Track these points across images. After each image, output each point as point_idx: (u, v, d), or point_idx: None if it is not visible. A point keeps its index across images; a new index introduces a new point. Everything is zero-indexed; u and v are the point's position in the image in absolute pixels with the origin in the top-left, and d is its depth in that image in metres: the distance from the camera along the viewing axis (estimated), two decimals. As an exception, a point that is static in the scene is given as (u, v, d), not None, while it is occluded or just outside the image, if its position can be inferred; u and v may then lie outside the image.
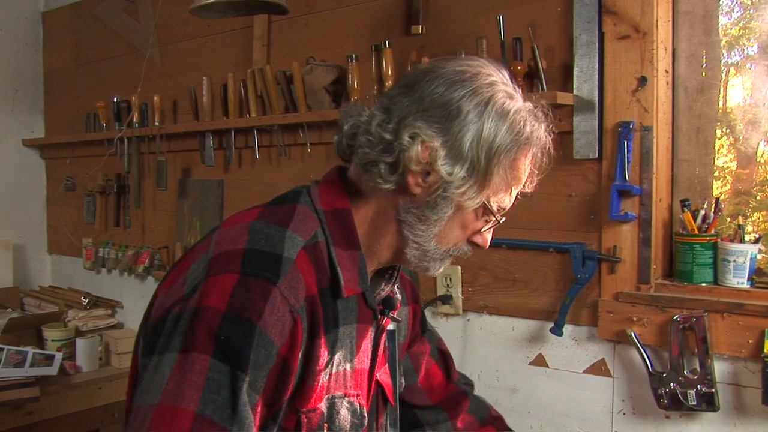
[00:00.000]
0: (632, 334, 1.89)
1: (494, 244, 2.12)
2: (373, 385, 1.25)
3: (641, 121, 1.89)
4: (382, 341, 1.26)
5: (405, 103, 1.12)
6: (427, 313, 2.32)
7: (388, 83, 2.26)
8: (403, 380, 1.43)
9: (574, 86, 1.98)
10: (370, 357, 1.23)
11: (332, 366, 1.13)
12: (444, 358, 1.57)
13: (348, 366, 1.17)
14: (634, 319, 1.90)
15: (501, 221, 1.19)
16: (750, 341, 1.74)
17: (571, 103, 1.98)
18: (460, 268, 2.25)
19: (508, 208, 1.19)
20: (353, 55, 2.36)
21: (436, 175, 1.10)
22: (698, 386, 1.80)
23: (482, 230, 1.18)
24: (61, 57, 3.73)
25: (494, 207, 1.15)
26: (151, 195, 3.21)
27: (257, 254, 1.03)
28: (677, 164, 2.00)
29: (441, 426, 1.54)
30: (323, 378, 1.10)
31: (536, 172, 1.22)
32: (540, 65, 2.00)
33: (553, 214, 2.07)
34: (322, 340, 1.08)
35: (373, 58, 2.33)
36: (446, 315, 2.31)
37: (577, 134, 1.99)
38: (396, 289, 1.31)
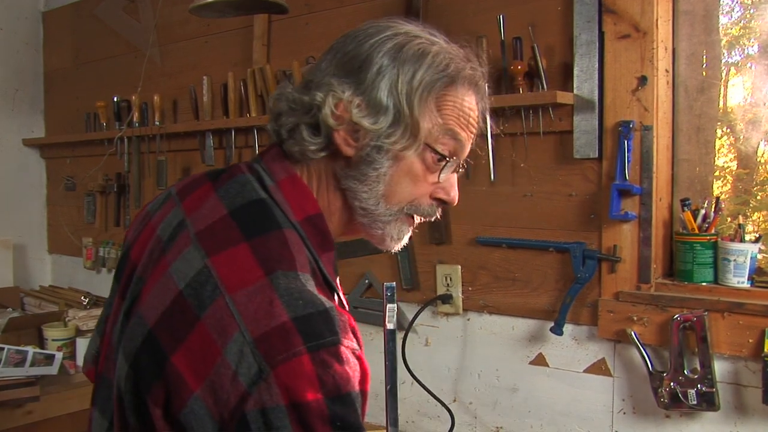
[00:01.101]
0: (632, 333, 1.89)
1: (494, 243, 2.17)
2: None
3: (641, 121, 1.89)
4: None
5: (322, 67, 1.10)
6: (427, 312, 2.32)
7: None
8: None
9: (575, 85, 1.98)
10: None
11: None
12: None
13: None
14: (635, 318, 1.90)
15: (458, 169, 1.14)
16: (750, 341, 1.74)
17: (571, 103, 1.98)
18: (460, 267, 2.25)
19: (463, 152, 1.12)
20: (353, 55, 2.35)
21: (362, 129, 1.06)
22: (698, 386, 1.80)
23: (440, 181, 1.11)
24: (61, 57, 3.73)
25: (440, 150, 1.09)
26: (152, 194, 3.21)
27: (307, 321, 0.94)
28: (677, 164, 2.00)
29: None
30: None
31: (482, 113, 1.15)
32: (540, 64, 2.00)
33: (553, 213, 2.07)
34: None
35: (373, 58, 2.31)
36: (446, 314, 2.31)
37: (578, 133, 1.98)
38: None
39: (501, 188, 2.16)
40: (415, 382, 2.24)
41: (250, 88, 2.68)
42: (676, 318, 1.81)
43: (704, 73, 1.99)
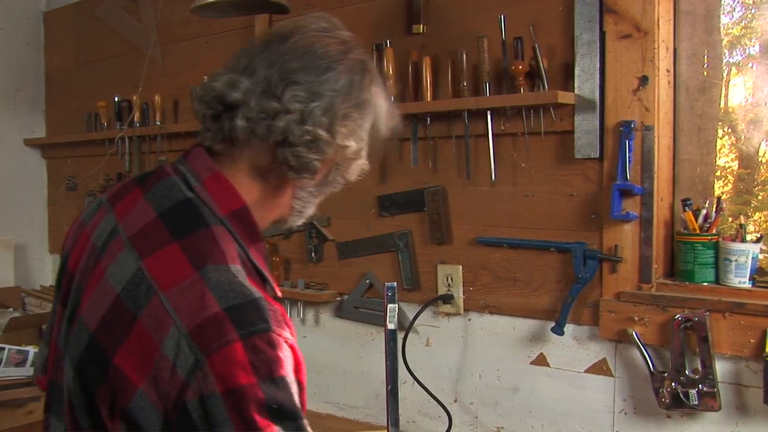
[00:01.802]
0: (633, 333, 1.89)
1: (495, 243, 2.17)
2: None
3: (642, 121, 1.88)
4: None
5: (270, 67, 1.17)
6: (428, 312, 2.32)
7: (389, 82, 2.26)
8: None
9: (576, 85, 1.97)
10: None
11: None
12: None
13: None
14: (636, 318, 1.90)
15: None
16: (752, 341, 1.74)
17: (572, 103, 1.97)
18: (461, 267, 2.25)
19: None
20: (354, 55, 2.35)
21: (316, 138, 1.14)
22: (700, 386, 1.79)
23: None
24: (62, 57, 3.73)
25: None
26: (152, 194, 3.21)
27: (238, 310, 0.99)
28: (678, 164, 2.00)
29: None
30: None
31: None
32: (541, 64, 2.00)
33: (554, 213, 2.07)
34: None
35: (374, 58, 2.32)
36: (447, 314, 2.31)
37: (579, 133, 1.98)
38: None
39: (502, 188, 2.16)
40: (415, 382, 2.24)
41: (251, 88, 2.67)
42: (677, 318, 1.81)
43: (705, 73, 1.99)
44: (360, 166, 1.24)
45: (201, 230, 1.07)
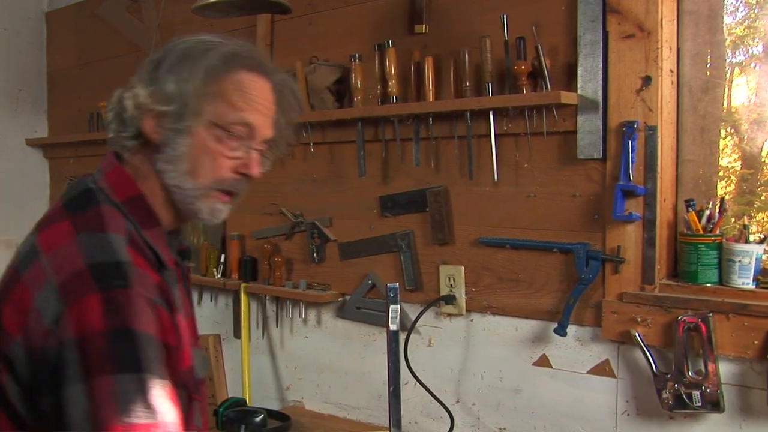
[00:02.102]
0: (636, 334, 1.88)
1: (498, 244, 2.17)
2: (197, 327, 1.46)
3: (646, 121, 1.88)
4: (190, 290, 1.46)
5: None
6: (430, 313, 2.31)
7: (392, 82, 2.26)
8: None
9: (578, 86, 1.97)
10: (190, 306, 1.43)
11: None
12: None
13: (187, 321, 1.32)
14: (639, 319, 1.89)
15: (258, 147, 1.30)
16: (755, 342, 1.74)
17: (575, 103, 1.97)
18: (463, 268, 2.24)
19: (257, 130, 1.29)
20: (356, 55, 2.36)
21: (162, 116, 1.24)
22: (703, 387, 1.79)
23: (231, 153, 1.27)
24: (64, 57, 3.72)
25: (227, 127, 1.26)
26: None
27: (101, 267, 1.12)
28: (682, 164, 1.99)
29: None
30: (185, 341, 1.24)
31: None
32: (544, 64, 1.99)
33: (556, 214, 2.06)
34: (179, 314, 1.24)
35: (377, 58, 2.32)
36: (449, 315, 2.30)
37: (581, 134, 1.98)
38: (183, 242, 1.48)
39: (504, 189, 2.15)
40: (417, 383, 2.24)
41: (253, 88, 2.67)
42: (681, 319, 1.81)
43: (708, 73, 1.98)
44: (192, 121, 1.26)
45: (91, 209, 1.23)
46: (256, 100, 1.29)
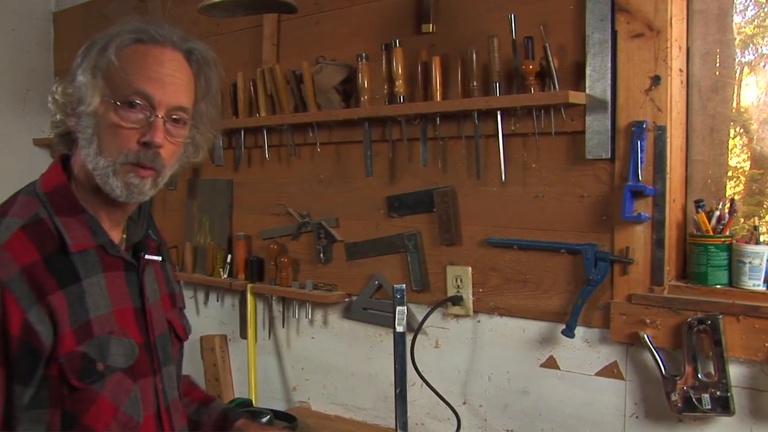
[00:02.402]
0: (645, 336, 1.87)
1: (505, 244, 2.15)
2: (151, 322, 1.41)
3: (655, 121, 1.86)
4: (145, 282, 1.42)
5: None
6: (437, 314, 2.30)
7: (399, 82, 2.25)
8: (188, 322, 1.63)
9: (587, 85, 1.96)
10: (135, 297, 1.39)
11: (86, 313, 1.28)
12: None
13: (105, 310, 1.31)
14: (647, 321, 1.88)
15: (155, 115, 1.30)
16: (766, 345, 1.72)
17: (583, 103, 1.96)
18: (470, 268, 2.23)
19: (137, 93, 1.28)
20: (363, 54, 2.35)
21: (75, 107, 1.31)
22: (713, 390, 1.77)
23: (131, 125, 1.28)
24: (71, 57, 3.65)
25: (117, 96, 1.28)
26: (161, 195, 3.20)
27: None
28: (691, 164, 1.98)
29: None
30: (71, 324, 1.25)
31: (145, 61, 1.32)
32: (552, 64, 1.98)
33: (565, 214, 2.05)
34: (57, 295, 1.24)
35: (384, 57, 2.31)
36: (456, 316, 2.29)
37: (590, 134, 1.96)
38: (153, 236, 1.49)
39: (512, 189, 2.14)
40: (424, 384, 2.23)
41: (259, 88, 2.67)
42: (690, 321, 1.79)
43: (718, 73, 1.96)
44: (89, 102, 1.30)
45: (9, 199, 1.33)
46: (152, 68, 1.30)
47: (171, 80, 1.32)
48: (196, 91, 1.42)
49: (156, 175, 1.32)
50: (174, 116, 1.32)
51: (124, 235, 1.43)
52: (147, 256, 1.43)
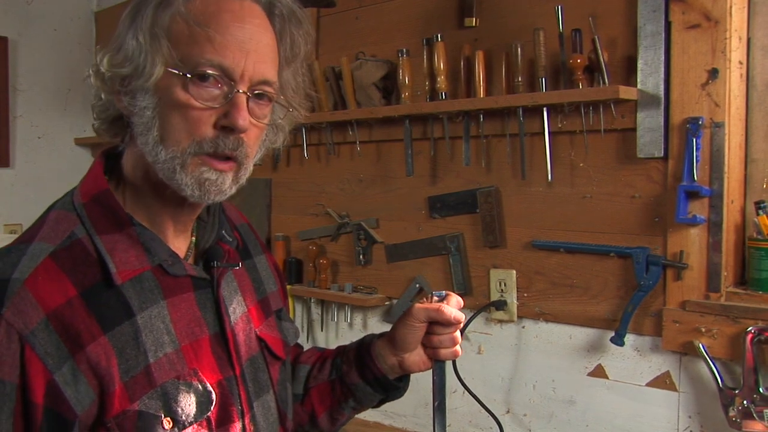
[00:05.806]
0: (700, 345, 1.79)
1: (551, 247, 2.08)
2: (235, 349, 1.15)
3: (711, 117, 1.79)
4: (221, 298, 1.15)
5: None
6: (480, 319, 2.24)
7: (441, 78, 2.22)
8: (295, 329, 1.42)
9: (638, 80, 1.89)
10: (212, 321, 1.14)
11: (144, 357, 1.02)
12: None
13: (169, 348, 1.06)
14: (703, 329, 1.80)
15: (231, 91, 1.03)
16: (833, 357, 1.62)
17: (634, 98, 1.89)
18: (515, 272, 2.18)
19: (211, 65, 1.00)
20: (404, 50, 2.32)
21: (128, 83, 1.03)
22: (775, 404, 1.68)
23: (205, 104, 1.01)
24: (113, 56, 3.75)
25: (185, 68, 1.00)
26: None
27: None
28: (750, 163, 1.90)
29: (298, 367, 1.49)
30: (122, 377, 1.00)
31: (219, 21, 1.02)
32: (601, 58, 1.92)
33: (614, 216, 1.99)
34: (100, 342, 0.99)
35: (425, 53, 2.27)
36: (500, 321, 2.23)
37: (642, 131, 1.90)
38: (227, 236, 1.23)
39: (559, 189, 2.09)
40: (466, 391, 2.17)
41: (298, 85, 2.63)
42: (750, 330, 1.71)
43: (780, 66, 1.87)
44: (150, 74, 1.02)
45: (42, 217, 1.08)
46: (230, 28, 1.01)
47: (254, 45, 1.02)
48: (279, 56, 1.10)
49: (238, 167, 1.06)
50: (257, 91, 1.04)
51: (193, 238, 1.18)
52: (223, 265, 1.17)
